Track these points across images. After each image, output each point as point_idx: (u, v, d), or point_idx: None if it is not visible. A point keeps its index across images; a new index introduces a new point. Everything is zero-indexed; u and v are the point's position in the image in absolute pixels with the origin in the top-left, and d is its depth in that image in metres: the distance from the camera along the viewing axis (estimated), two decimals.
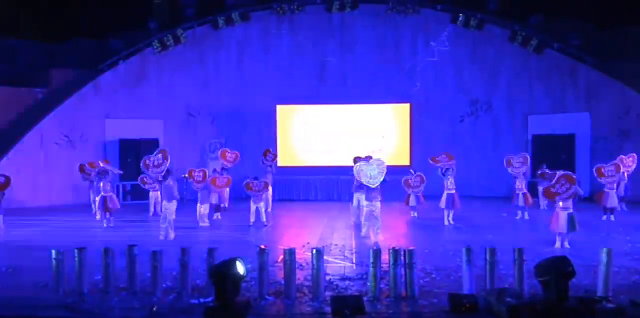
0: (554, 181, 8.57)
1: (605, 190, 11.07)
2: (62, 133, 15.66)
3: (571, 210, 8.44)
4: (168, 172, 9.79)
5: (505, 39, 16.66)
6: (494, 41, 16.79)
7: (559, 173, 8.73)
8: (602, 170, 11.28)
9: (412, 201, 12.19)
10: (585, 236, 8.79)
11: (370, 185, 9.35)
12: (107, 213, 11.09)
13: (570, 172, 8.73)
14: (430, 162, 11.90)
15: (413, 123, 16.99)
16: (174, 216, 9.68)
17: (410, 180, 12.16)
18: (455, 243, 8.76)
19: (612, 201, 11.02)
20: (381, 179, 9.28)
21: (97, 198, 11.41)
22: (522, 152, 12.82)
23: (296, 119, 17.22)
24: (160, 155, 10.03)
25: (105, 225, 11.05)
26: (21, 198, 15.01)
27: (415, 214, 12.31)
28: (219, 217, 12.08)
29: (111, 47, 17.49)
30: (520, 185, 11.98)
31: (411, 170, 12.38)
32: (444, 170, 11.17)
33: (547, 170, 12.76)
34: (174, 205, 9.70)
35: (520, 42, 16.42)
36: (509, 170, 12.14)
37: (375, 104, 17.04)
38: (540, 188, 13.23)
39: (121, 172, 13.59)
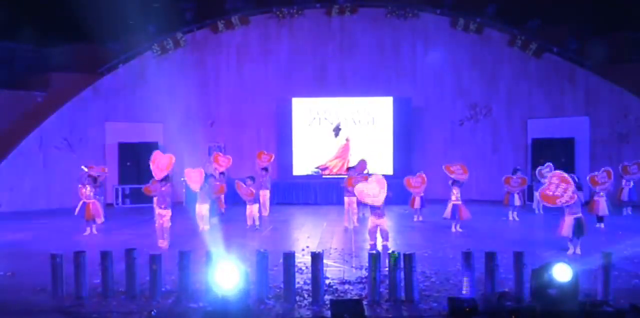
0: (546, 182, 8.40)
1: (596, 198, 10.98)
2: (61, 136, 15.65)
3: (579, 215, 8.34)
4: (167, 178, 9.53)
5: (504, 43, 16.72)
6: (493, 45, 16.84)
7: (551, 173, 8.60)
8: (595, 178, 11.15)
9: (417, 203, 12.16)
10: (585, 240, 8.76)
11: (374, 204, 9.14)
12: (91, 221, 10.74)
13: (561, 172, 8.44)
14: (444, 169, 11.39)
15: (408, 126, 16.99)
16: (170, 224, 9.51)
17: (411, 180, 12.20)
18: (454, 247, 8.77)
19: (604, 209, 10.95)
20: (384, 196, 9.09)
21: (79, 204, 10.86)
22: (520, 174, 12.65)
23: (299, 120, 17.19)
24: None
25: (87, 232, 10.67)
26: (20, 201, 15.01)
27: (420, 218, 12.25)
28: (216, 221, 11.90)
29: (111, 50, 17.51)
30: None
31: (418, 174, 12.39)
32: (452, 181, 11.06)
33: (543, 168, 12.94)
34: (169, 213, 9.41)
35: (520, 46, 16.47)
36: (506, 188, 12.29)
37: (375, 107, 17.02)
38: (537, 193, 13.39)
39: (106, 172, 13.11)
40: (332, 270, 7.34)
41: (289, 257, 6.03)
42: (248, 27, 17.29)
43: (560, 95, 16.24)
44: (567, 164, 15.11)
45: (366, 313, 5.33)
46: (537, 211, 13.31)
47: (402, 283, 5.93)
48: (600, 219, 11.01)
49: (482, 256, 6.05)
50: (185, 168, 11.39)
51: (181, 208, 13.60)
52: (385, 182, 8.85)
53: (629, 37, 16.85)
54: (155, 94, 16.64)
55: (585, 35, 17.23)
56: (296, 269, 6.28)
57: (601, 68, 15.91)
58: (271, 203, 13.90)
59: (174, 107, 16.87)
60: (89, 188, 10.84)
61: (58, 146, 15.60)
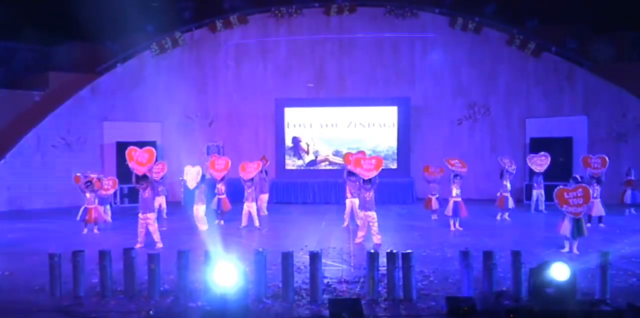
0: (572, 188, 8.48)
1: (591, 199, 10.97)
2: (59, 136, 15.64)
3: (580, 216, 8.40)
4: (144, 179, 9.28)
5: (502, 42, 16.72)
6: (492, 44, 16.84)
7: (582, 184, 8.67)
8: (589, 160, 11.22)
9: (435, 205, 12.15)
10: (583, 238, 8.77)
11: (364, 177, 9.17)
12: (91, 224, 10.75)
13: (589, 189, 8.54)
14: (445, 162, 11.71)
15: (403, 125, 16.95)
16: (156, 226, 9.45)
17: (431, 168, 12.31)
18: (453, 246, 8.78)
19: (598, 210, 10.93)
20: (374, 174, 9.10)
21: (81, 209, 10.86)
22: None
23: (295, 121, 17.16)
24: (159, 166, 9.96)
25: (85, 231, 10.69)
26: (18, 200, 15.00)
27: (436, 217, 12.21)
28: (222, 223, 11.82)
29: (109, 50, 17.50)
30: (508, 186, 12.28)
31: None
32: (453, 175, 11.13)
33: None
34: (154, 216, 9.28)
35: (518, 45, 16.48)
36: (505, 167, 12.36)
37: (373, 107, 17.00)
38: (538, 193, 13.39)
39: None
40: (331, 269, 7.34)
41: (288, 256, 6.03)
42: (246, 26, 17.29)
43: (559, 94, 16.25)
44: (565, 163, 15.14)
45: (364, 312, 5.34)
46: (533, 210, 13.32)
47: (401, 283, 5.94)
48: (599, 219, 11.03)
49: (480, 255, 6.06)
50: (184, 167, 11.36)
51: (180, 208, 13.61)
52: (382, 164, 9.28)
53: (628, 37, 16.87)
54: (153, 94, 16.66)
55: (583, 34, 17.24)
56: (295, 268, 6.28)
57: (600, 67, 15.92)
58: (270, 203, 13.91)
59: (173, 107, 16.89)
60: (89, 194, 10.87)
61: (56, 145, 15.58)
